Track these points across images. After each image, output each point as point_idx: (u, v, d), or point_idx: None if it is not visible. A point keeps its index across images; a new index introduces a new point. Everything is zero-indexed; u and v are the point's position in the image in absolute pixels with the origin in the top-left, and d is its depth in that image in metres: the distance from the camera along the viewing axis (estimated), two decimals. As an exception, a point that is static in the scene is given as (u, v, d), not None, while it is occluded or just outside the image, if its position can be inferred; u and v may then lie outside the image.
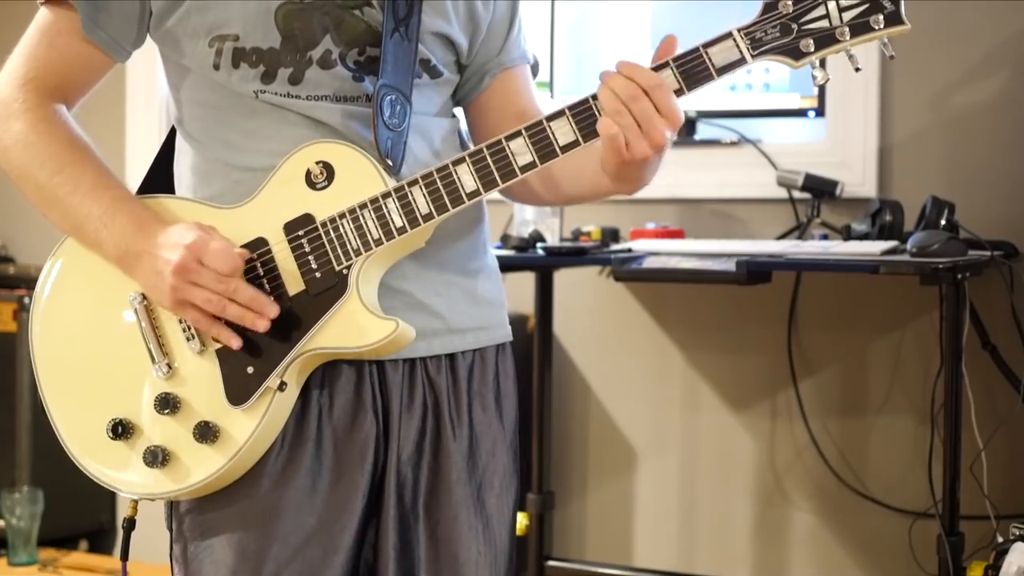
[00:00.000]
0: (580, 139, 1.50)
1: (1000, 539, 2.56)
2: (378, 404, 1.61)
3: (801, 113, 3.09)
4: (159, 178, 1.70)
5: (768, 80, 3.08)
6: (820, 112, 3.07)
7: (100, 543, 3.86)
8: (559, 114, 1.51)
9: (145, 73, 3.83)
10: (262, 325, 1.52)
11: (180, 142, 1.68)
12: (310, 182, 1.55)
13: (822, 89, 3.03)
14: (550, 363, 3.33)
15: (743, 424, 3.25)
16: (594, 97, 1.50)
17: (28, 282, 3.77)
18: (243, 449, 1.54)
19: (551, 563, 3.31)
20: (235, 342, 1.53)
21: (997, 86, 2.96)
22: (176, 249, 1.50)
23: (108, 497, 3.81)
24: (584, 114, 1.50)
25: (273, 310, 1.52)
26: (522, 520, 3.16)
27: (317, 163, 1.55)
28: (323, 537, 1.58)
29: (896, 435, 3.08)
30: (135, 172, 3.68)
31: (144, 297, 1.58)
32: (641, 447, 3.38)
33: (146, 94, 3.88)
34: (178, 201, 1.62)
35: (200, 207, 1.60)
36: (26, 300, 3.63)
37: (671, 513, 3.35)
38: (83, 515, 3.78)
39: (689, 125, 3.24)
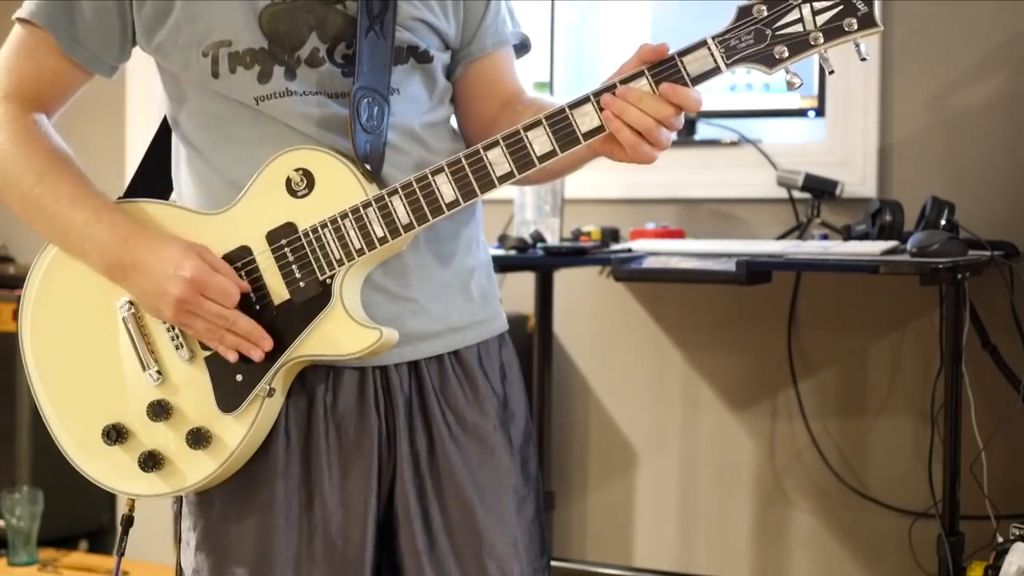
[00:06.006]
0: (557, 149, 1.51)
1: (1000, 539, 2.55)
2: (381, 404, 1.63)
3: (801, 113, 3.09)
4: (149, 179, 1.71)
5: (768, 80, 3.08)
6: (820, 112, 3.06)
7: (100, 543, 3.85)
8: (536, 124, 1.51)
9: (145, 74, 3.80)
10: (256, 355, 1.55)
11: (179, 149, 1.68)
12: (291, 190, 1.56)
13: (822, 89, 3.03)
14: (550, 363, 3.33)
15: (743, 424, 3.25)
16: (570, 107, 1.51)
17: (28, 282, 3.77)
18: (234, 454, 1.57)
19: (551, 563, 3.30)
20: (232, 356, 1.57)
21: (997, 86, 2.95)
22: (176, 282, 1.52)
23: (108, 497, 3.80)
24: (561, 124, 1.51)
25: (267, 344, 1.55)
26: (522, 520, 3.16)
27: (297, 170, 1.56)
28: (334, 532, 1.61)
29: (896, 435, 3.08)
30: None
31: (132, 304, 1.59)
32: (641, 447, 3.38)
33: (146, 94, 3.87)
34: (159, 206, 1.63)
35: (182, 212, 1.61)
36: (26, 300, 3.63)
37: (671, 513, 3.34)
38: (83, 515, 3.78)
39: (689, 125, 3.24)
